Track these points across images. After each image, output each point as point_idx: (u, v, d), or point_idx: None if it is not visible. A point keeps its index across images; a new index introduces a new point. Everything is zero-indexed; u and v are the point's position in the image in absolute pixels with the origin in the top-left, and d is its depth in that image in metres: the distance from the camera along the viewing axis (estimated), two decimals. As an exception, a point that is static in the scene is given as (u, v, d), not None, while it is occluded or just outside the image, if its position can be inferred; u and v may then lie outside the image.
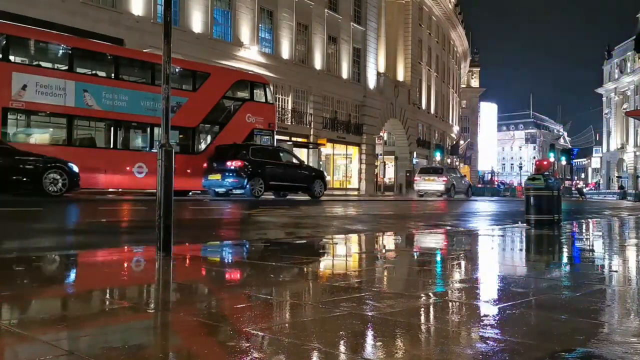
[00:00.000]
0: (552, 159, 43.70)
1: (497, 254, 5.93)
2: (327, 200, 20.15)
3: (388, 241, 7.25)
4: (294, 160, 20.27)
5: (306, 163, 23.69)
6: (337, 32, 35.95)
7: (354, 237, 7.41)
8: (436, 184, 29.66)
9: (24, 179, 12.75)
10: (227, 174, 17.67)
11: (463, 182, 32.39)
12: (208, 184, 18.29)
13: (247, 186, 17.58)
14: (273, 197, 18.94)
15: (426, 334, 2.49)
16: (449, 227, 9.76)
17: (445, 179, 29.49)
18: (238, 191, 18.17)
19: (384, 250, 6.25)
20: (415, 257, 5.69)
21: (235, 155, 17.93)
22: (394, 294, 3.39)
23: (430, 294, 3.46)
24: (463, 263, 5.06)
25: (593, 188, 74.53)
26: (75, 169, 13.80)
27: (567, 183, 49.84)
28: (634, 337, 2.38)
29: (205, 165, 18.11)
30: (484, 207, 20.26)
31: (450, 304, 3.15)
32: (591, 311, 2.90)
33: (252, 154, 18.22)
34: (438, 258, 5.48)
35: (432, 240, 7.42)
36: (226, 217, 11.43)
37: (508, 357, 2.06)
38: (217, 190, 18.42)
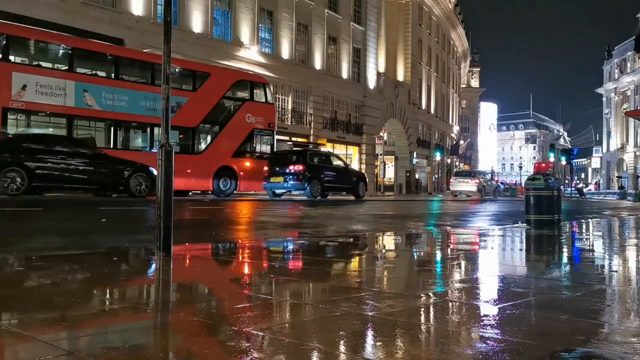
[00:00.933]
0: (552, 159, 43.72)
1: (497, 253, 5.93)
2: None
3: (388, 241, 7.26)
4: (341, 164, 21.80)
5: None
6: (337, 32, 35.94)
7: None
8: (469, 186, 33.54)
9: (119, 182, 14.75)
10: (289, 177, 19.11)
11: (490, 183, 36.46)
12: (270, 186, 19.72)
13: (308, 188, 19.07)
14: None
15: (426, 334, 2.49)
16: (449, 227, 9.76)
17: (478, 181, 33.50)
18: (298, 192, 19.95)
19: (384, 250, 6.25)
20: (415, 257, 5.69)
21: (296, 160, 19.50)
22: (394, 294, 3.38)
23: (430, 293, 3.46)
24: (463, 263, 5.06)
25: (594, 189, 74.45)
26: (155, 172, 14.49)
27: (573, 184, 50.72)
28: (634, 337, 2.38)
29: (266, 169, 19.69)
30: (484, 207, 20.26)
31: (451, 303, 3.15)
32: (591, 311, 2.90)
33: (310, 158, 19.86)
34: (438, 258, 5.48)
35: (432, 240, 7.42)
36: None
37: (508, 357, 2.06)
38: (276, 191, 20.00)
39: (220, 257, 5.51)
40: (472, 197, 31.04)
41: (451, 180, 36.75)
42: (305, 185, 18.97)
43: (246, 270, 4.60)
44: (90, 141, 16.20)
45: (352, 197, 21.39)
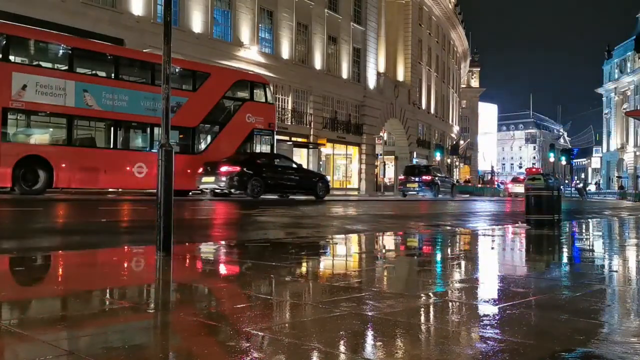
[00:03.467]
0: (551, 159, 43.80)
1: (497, 254, 5.94)
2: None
3: (388, 241, 7.25)
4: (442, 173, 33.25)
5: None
6: (337, 32, 35.93)
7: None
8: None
9: (311, 187, 19.72)
10: (421, 184, 29.75)
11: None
12: (406, 189, 30.31)
13: (434, 191, 29.53)
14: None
15: (426, 334, 2.49)
16: (449, 227, 9.76)
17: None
18: (427, 194, 29.42)
19: (384, 250, 6.25)
20: (415, 257, 5.69)
21: (426, 172, 30.81)
22: (395, 294, 3.39)
23: (430, 293, 3.46)
24: (463, 263, 5.06)
25: (595, 189, 74.47)
26: (328, 178, 22.18)
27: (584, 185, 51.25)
28: (634, 337, 2.38)
29: (401, 177, 31.08)
30: (484, 207, 20.25)
31: (450, 303, 3.15)
32: (591, 311, 2.90)
33: (434, 170, 32.24)
34: (438, 258, 5.48)
35: (433, 240, 7.42)
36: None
37: (508, 357, 2.06)
38: (408, 192, 30.02)
39: (221, 256, 5.51)
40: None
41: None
42: (433, 188, 29.55)
43: (246, 270, 4.60)
44: (290, 159, 21.19)
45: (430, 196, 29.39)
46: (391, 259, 5.52)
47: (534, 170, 42.57)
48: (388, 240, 7.34)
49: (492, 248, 6.45)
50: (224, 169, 17.40)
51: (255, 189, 17.60)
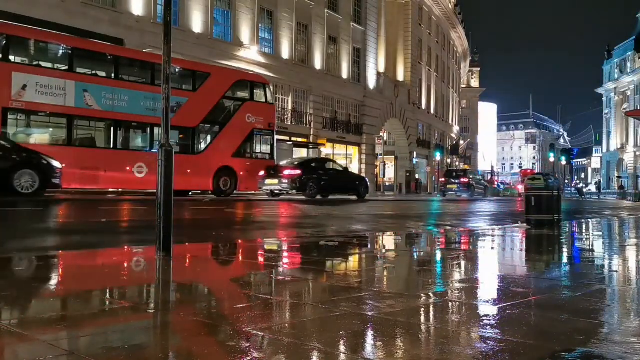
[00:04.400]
0: (551, 159, 44.06)
1: (497, 253, 5.93)
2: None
3: (388, 241, 7.26)
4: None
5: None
6: (337, 32, 35.93)
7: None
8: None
9: (355, 187, 21.56)
10: (460, 185, 34.62)
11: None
12: (446, 190, 34.83)
13: (470, 191, 34.40)
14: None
15: (426, 334, 2.49)
16: (449, 227, 9.76)
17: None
18: (464, 194, 33.70)
19: (384, 250, 6.25)
20: (415, 256, 5.69)
21: (464, 175, 36.16)
22: (395, 294, 3.38)
23: (430, 293, 3.46)
24: (463, 263, 5.06)
25: (595, 189, 74.46)
26: (367, 181, 23.64)
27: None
28: (634, 337, 2.38)
29: (442, 180, 37.04)
30: (484, 207, 20.26)
31: (451, 303, 3.15)
32: (591, 311, 2.90)
33: (470, 173, 38.53)
34: (438, 258, 5.48)
35: (433, 239, 7.42)
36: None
37: (508, 357, 2.06)
38: (448, 193, 34.41)
39: (220, 256, 5.51)
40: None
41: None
42: (469, 189, 34.31)
43: (246, 270, 4.60)
44: (337, 163, 24.02)
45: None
46: (391, 258, 5.52)
47: (528, 171, 45.91)
48: (387, 240, 7.34)
49: (492, 248, 6.45)
50: (286, 172, 19.50)
51: (312, 190, 19.60)
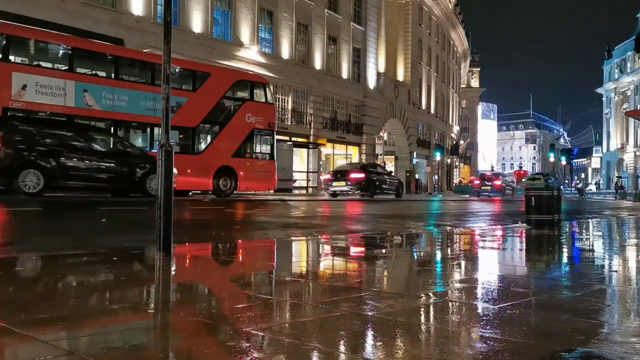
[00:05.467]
0: (551, 159, 44.29)
1: (497, 253, 5.93)
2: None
3: (388, 240, 7.25)
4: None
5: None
6: (337, 32, 35.92)
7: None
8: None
9: (394, 188, 24.81)
10: (492, 188, 39.54)
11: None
12: (482, 192, 39.23)
13: (502, 192, 39.11)
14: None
15: (426, 334, 2.49)
16: (449, 227, 9.76)
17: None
18: (497, 195, 37.76)
19: (383, 250, 6.26)
20: (415, 256, 5.69)
21: (496, 178, 41.70)
22: (395, 294, 3.38)
23: (430, 293, 3.46)
24: (463, 263, 5.06)
25: (595, 189, 74.42)
26: (401, 180, 27.55)
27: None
28: (634, 337, 2.38)
29: (477, 182, 41.74)
30: (484, 207, 20.26)
31: (451, 303, 3.15)
32: (591, 311, 2.90)
33: (500, 176, 43.11)
34: (438, 258, 5.48)
35: (433, 239, 7.42)
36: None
37: (508, 357, 2.06)
38: (483, 194, 38.23)
39: (220, 256, 5.51)
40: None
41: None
42: (500, 191, 39.35)
43: (245, 270, 4.60)
44: (384, 167, 27.43)
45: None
46: (391, 258, 5.52)
47: (522, 172, 51.19)
48: (388, 240, 7.34)
49: (492, 248, 6.45)
50: (353, 175, 22.65)
51: (372, 191, 22.76)
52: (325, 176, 23.63)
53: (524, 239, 7.62)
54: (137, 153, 15.30)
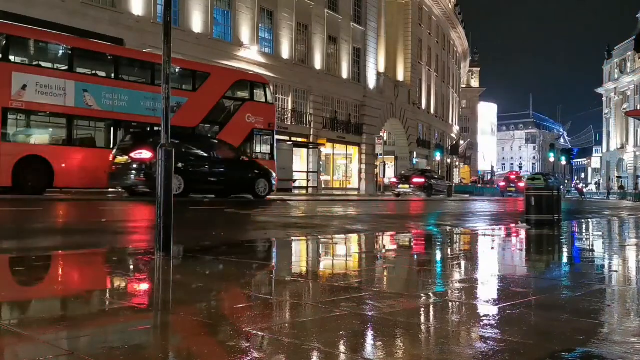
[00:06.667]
0: (551, 159, 44.44)
1: (497, 253, 5.93)
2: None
3: (387, 240, 7.25)
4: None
5: None
6: (337, 32, 35.92)
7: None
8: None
9: (444, 189, 30.08)
10: (516, 189, 39.05)
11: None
12: (506, 192, 41.00)
13: (519, 192, 36.78)
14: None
15: (426, 334, 2.49)
16: (449, 227, 9.76)
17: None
18: (519, 196, 35.50)
19: (384, 250, 6.25)
20: (415, 256, 5.69)
21: (519, 180, 39.76)
22: (396, 294, 3.38)
23: (430, 293, 3.46)
24: (463, 263, 5.06)
25: (595, 189, 74.42)
26: (451, 184, 33.39)
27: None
28: (634, 337, 2.38)
29: (503, 184, 43.22)
30: (484, 207, 20.26)
31: (451, 303, 3.15)
32: (591, 311, 2.90)
33: (522, 178, 38.34)
34: (438, 258, 5.48)
35: (433, 239, 7.42)
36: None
37: (508, 357, 2.06)
38: (507, 194, 39.70)
39: (220, 256, 5.51)
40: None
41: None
42: (522, 194, 38.05)
43: (245, 270, 4.60)
44: (434, 171, 32.61)
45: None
46: (391, 258, 5.52)
47: (513, 173, 54.48)
48: (387, 240, 7.34)
49: (492, 248, 6.45)
50: (415, 180, 28.12)
51: (430, 192, 27.86)
52: (392, 179, 30.20)
53: (523, 239, 7.61)
54: (248, 161, 17.49)
